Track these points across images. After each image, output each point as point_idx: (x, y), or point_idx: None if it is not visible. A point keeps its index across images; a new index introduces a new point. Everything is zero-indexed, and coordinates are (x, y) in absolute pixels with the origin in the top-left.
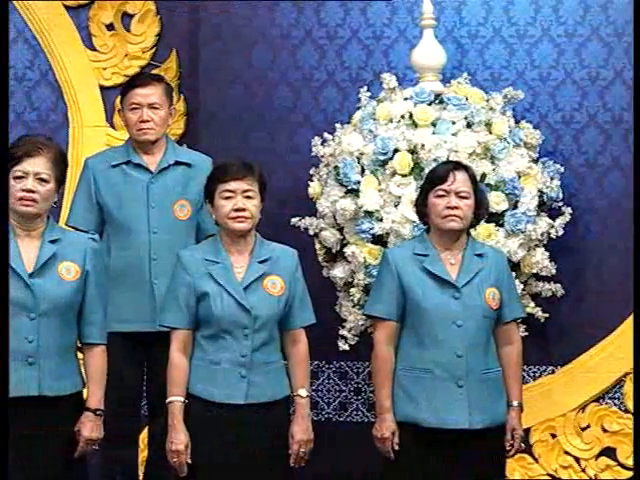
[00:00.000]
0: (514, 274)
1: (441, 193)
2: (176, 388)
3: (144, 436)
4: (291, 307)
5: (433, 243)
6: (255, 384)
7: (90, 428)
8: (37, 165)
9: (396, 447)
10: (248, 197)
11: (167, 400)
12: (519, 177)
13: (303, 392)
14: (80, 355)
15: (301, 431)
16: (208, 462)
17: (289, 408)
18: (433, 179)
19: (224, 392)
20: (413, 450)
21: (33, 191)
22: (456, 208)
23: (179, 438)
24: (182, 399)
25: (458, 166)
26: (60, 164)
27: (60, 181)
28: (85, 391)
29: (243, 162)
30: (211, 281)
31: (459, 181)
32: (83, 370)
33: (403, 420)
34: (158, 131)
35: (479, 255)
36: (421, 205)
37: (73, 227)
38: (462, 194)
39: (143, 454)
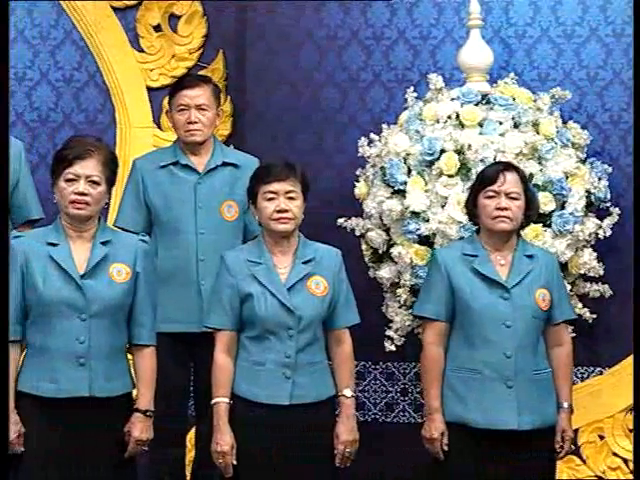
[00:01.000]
0: (562, 275)
1: (491, 194)
2: (221, 389)
3: (191, 436)
4: (335, 307)
5: (483, 244)
6: (300, 385)
7: (140, 429)
8: (88, 168)
9: (445, 448)
10: (291, 198)
11: (212, 401)
12: (566, 177)
13: (348, 392)
14: (130, 356)
15: (346, 431)
16: (253, 463)
17: (334, 408)
18: (483, 180)
19: (269, 393)
20: (462, 451)
21: (85, 194)
22: (506, 209)
23: (224, 439)
24: (227, 400)
25: (508, 167)
26: (111, 165)
27: (111, 182)
28: (135, 392)
29: (285, 163)
30: (255, 282)
31: (509, 182)
32: (133, 371)
33: (452, 420)
34: (206, 132)
35: (529, 256)
36: (471, 206)
37: (121, 228)
38: (512, 195)
39: (190, 454)
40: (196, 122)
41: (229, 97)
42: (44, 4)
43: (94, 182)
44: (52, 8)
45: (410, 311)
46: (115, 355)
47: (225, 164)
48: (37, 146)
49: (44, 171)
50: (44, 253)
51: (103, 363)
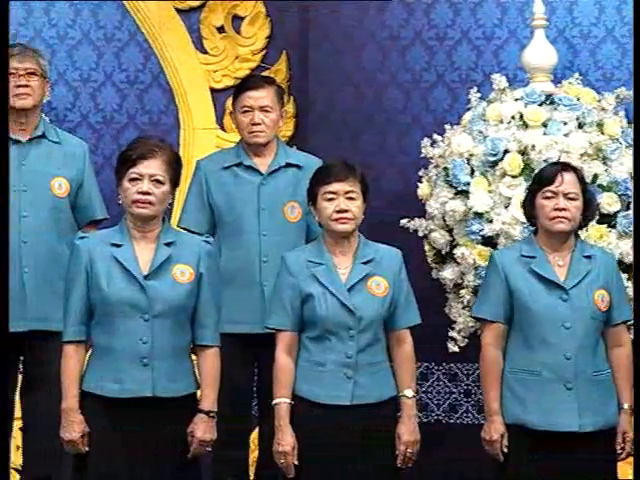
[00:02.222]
0: (626, 276)
1: (549, 194)
2: (282, 390)
3: (254, 437)
4: (396, 307)
5: (541, 245)
6: (361, 385)
7: (203, 429)
8: (152, 167)
9: (505, 449)
10: (350, 198)
11: (273, 402)
12: (632, 178)
13: (409, 392)
14: (194, 357)
15: (408, 432)
16: (315, 463)
17: (395, 409)
18: (541, 180)
19: (330, 393)
20: (522, 452)
21: (149, 193)
22: (564, 210)
23: (286, 439)
24: (288, 401)
25: (566, 167)
26: (174, 165)
27: (175, 182)
28: (199, 392)
29: (345, 163)
30: (315, 283)
31: (567, 182)
32: (197, 372)
33: (512, 422)
34: (269, 133)
35: (588, 257)
36: (529, 206)
37: (185, 228)
38: (570, 195)
39: (253, 455)
40: (259, 123)
41: (292, 98)
42: (109, 6)
43: (158, 181)
44: (117, 10)
45: (471, 312)
46: (179, 356)
47: (288, 165)
48: (102, 147)
49: (109, 172)
50: (108, 254)
51: (166, 363)
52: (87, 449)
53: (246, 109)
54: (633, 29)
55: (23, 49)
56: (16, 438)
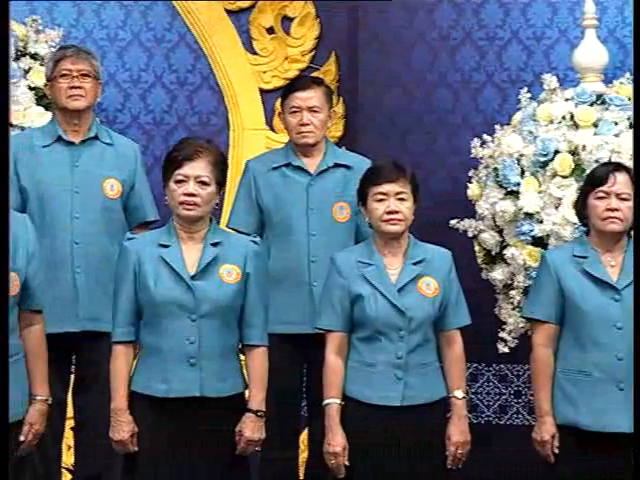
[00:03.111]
0: None
1: (601, 195)
2: (332, 390)
3: (304, 437)
4: (446, 308)
5: (593, 245)
6: (411, 386)
7: (252, 429)
8: (197, 168)
9: (556, 450)
10: (401, 199)
11: (324, 402)
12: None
13: (459, 393)
14: (242, 357)
15: (458, 432)
16: (365, 464)
17: (446, 410)
18: (593, 180)
19: (380, 394)
20: (573, 453)
21: (194, 194)
22: (616, 210)
23: (336, 440)
24: (338, 401)
25: (619, 167)
26: (220, 166)
27: (221, 183)
28: (247, 392)
29: (395, 164)
30: (365, 283)
31: (620, 183)
32: (245, 371)
33: (563, 423)
34: (318, 134)
35: None
36: (581, 207)
37: (234, 229)
38: (623, 196)
39: (303, 455)
40: (308, 124)
41: (341, 99)
42: (159, 7)
43: (203, 183)
44: (167, 11)
45: (521, 313)
46: (226, 355)
47: (337, 165)
48: (152, 148)
49: (159, 173)
50: (156, 254)
51: (214, 363)
52: (136, 449)
53: (295, 110)
54: (633, 29)
55: (77, 51)
56: (68, 438)
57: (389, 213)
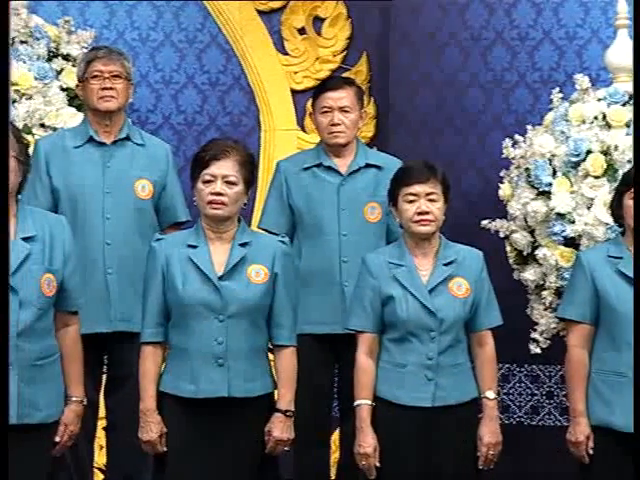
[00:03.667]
0: None
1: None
2: (363, 391)
3: (335, 437)
4: (477, 309)
5: (628, 245)
6: (442, 386)
7: (280, 429)
8: (224, 168)
9: (590, 451)
10: (432, 200)
11: (355, 403)
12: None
13: (491, 394)
14: (271, 357)
15: (489, 433)
16: (395, 465)
17: (477, 410)
18: (628, 181)
19: (411, 395)
20: (608, 455)
21: (222, 194)
22: None
23: (367, 441)
24: (369, 402)
25: None
26: (248, 166)
27: (249, 183)
28: (276, 392)
29: (426, 164)
30: (396, 284)
31: None
32: (274, 372)
33: (597, 424)
34: (349, 134)
35: None
36: (616, 207)
37: (265, 230)
38: None
39: (335, 455)
40: (339, 124)
41: (372, 99)
42: (191, 8)
43: (230, 182)
44: (198, 12)
45: (555, 313)
46: (254, 356)
47: (368, 166)
48: (183, 149)
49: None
50: (184, 255)
51: (242, 364)
52: (165, 449)
53: (326, 110)
54: (633, 29)
55: (108, 52)
56: (100, 438)
57: (420, 214)
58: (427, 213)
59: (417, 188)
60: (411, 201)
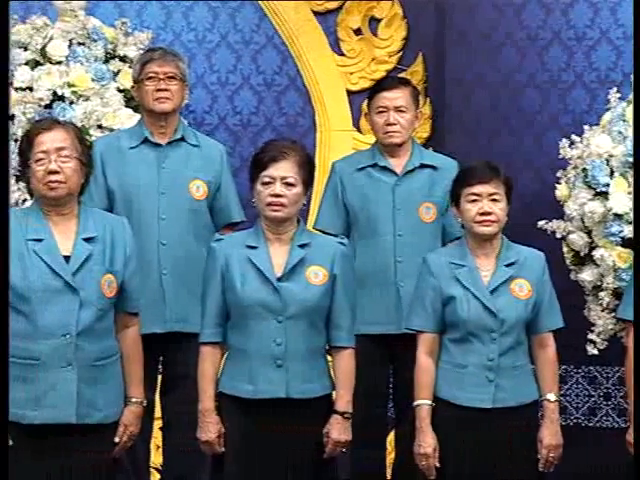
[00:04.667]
0: None
1: None
2: (423, 391)
3: (391, 438)
4: (538, 310)
5: None
6: (502, 388)
7: (339, 430)
8: (283, 169)
9: None
10: (494, 200)
11: (414, 403)
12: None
13: (551, 396)
14: (330, 358)
15: (550, 435)
16: (455, 466)
17: (537, 412)
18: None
19: (471, 396)
20: None
21: (281, 195)
22: None
23: (427, 441)
24: (429, 402)
25: None
26: (306, 167)
27: (307, 184)
28: (334, 394)
29: (489, 165)
30: (457, 285)
31: None
32: (332, 373)
33: None
34: (404, 134)
35: None
36: None
37: (320, 230)
38: None
39: (390, 456)
40: (395, 124)
41: (428, 99)
42: (247, 9)
43: (289, 184)
44: (254, 13)
45: (613, 314)
46: (313, 357)
47: (423, 166)
48: (239, 150)
49: (246, 175)
50: (244, 256)
51: (301, 365)
52: (223, 449)
53: (381, 110)
54: (633, 29)
55: (163, 53)
56: (157, 438)
57: (482, 214)
58: (489, 214)
59: (480, 188)
60: (473, 201)
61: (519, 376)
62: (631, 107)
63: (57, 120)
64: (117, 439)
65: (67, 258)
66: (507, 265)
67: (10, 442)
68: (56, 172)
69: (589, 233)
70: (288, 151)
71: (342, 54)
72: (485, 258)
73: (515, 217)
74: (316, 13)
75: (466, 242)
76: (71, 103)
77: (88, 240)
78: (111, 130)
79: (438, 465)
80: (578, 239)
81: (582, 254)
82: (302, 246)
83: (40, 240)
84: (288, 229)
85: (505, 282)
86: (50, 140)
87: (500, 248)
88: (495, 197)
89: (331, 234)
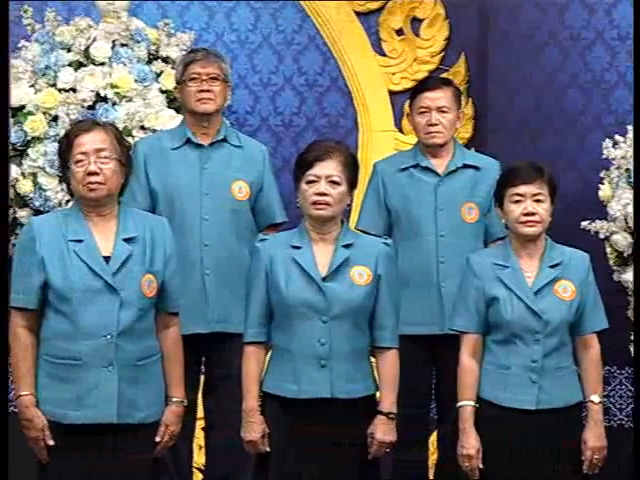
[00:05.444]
0: None
1: None
2: (467, 392)
3: (433, 439)
4: (583, 312)
5: None
6: (546, 390)
7: (383, 431)
8: (328, 168)
9: None
10: (538, 201)
11: (458, 404)
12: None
13: (596, 398)
14: (373, 359)
15: (594, 437)
16: (499, 467)
17: (581, 414)
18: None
19: (514, 397)
20: None
21: (326, 194)
22: None
23: (470, 442)
24: (473, 403)
25: None
26: (350, 166)
27: (352, 183)
28: (378, 394)
29: (533, 165)
30: (501, 285)
31: None
32: (376, 373)
33: None
34: (446, 134)
35: None
36: None
37: (362, 230)
38: None
39: (432, 457)
40: (437, 124)
41: (470, 100)
42: (289, 10)
43: (334, 182)
44: (296, 14)
45: None
46: (357, 357)
47: (466, 166)
48: (281, 150)
49: (288, 175)
50: (288, 256)
51: (344, 365)
52: (267, 449)
53: (423, 110)
54: (633, 29)
55: (206, 54)
56: (199, 438)
57: (526, 215)
58: (533, 214)
59: (524, 189)
60: (517, 201)
61: (563, 377)
62: None
63: (96, 121)
64: (158, 438)
65: (107, 258)
66: (551, 266)
67: (51, 442)
68: (95, 173)
69: (632, 234)
70: (333, 150)
71: (384, 54)
72: (529, 259)
73: (558, 217)
74: (358, 13)
75: (510, 243)
76: (114, 104)
77: (128, 240)
78: (154, 131)
79: (481, 466)
80: (621, 239)
81: (625, 254)
82: (346, 246)
83: (80, 241)
84: (332, 229)
85: (549, 283)
86: (89, 141)
87: (544, 249)
88: (539, 197)
89: (373, 234)
